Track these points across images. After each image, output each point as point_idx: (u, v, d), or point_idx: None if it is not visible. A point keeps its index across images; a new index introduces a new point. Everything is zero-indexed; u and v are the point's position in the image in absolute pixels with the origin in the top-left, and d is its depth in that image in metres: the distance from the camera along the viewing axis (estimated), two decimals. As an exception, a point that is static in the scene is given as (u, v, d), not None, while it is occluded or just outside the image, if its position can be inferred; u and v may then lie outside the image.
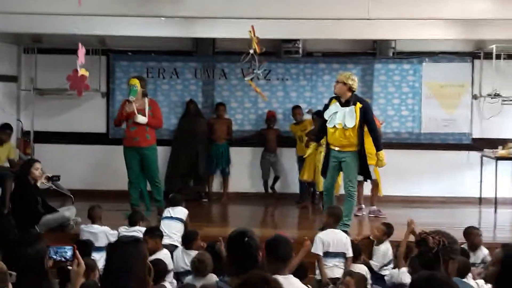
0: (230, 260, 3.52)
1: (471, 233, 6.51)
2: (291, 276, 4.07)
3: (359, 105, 7.46)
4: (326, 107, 7.83)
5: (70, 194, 9.75)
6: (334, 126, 7.52)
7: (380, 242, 6.95)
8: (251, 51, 6.80)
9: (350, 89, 7.50)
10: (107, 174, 10.57)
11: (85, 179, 10.54)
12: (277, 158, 10.49)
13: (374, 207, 9.23)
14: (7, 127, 9.18)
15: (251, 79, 7.35)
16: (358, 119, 7.41)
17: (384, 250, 6.86)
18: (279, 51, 10.16)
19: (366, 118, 7.49)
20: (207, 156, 10.46)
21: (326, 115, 7.68)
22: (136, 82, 8.47)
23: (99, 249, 7.00)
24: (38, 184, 7.78)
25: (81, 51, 6.39)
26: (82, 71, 6.41)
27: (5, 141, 9.14)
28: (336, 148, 7.58)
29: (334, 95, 7.75)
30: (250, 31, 6.85)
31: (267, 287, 2.65)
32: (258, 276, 2.73)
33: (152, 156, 8.67)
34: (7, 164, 9.22)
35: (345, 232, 6.97)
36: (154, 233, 6.52)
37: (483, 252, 6.45)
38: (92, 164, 10.69)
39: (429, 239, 3.57)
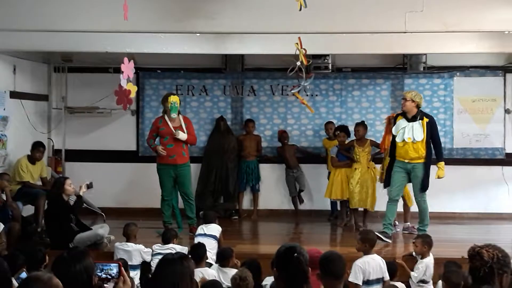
0: (280, 276, 3.45)
1: None
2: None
3: (425, 119, 8.12)
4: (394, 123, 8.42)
5: (101, 212, 9.79)
6: (403, 140, 8.12)
7: (424, 256, 6.82)
8: (298, 63, 6.75)
9: (417, 106, 8.15)
10: (137, 191, 10.59)
11: (116, 197, 10.57)
12: (300, 172, 10.38)
13: (408, 224, 9.10)
14: (40, 145, 9.22)
15: (298, 92, 7.29)
16: (425, 132, 8.04)
17: (427, 262, 6.73)
18: (308, 67, 10.11)
19: (432, 132, 8.13)
20: (237, 173, 10.43)
21: (394, 131, 8.29)
22: (177, 99, 8.53)
23: (133, 267, 6.97)
24: (81, 192, 7.91)
25: (128, 65, 6.38)
26: (128, 86, 6.42)
27: (38, 159, 9.17)
28: (406, 160, 8.17)
29: (400, 112, 8.43)
30: (297, 43, 6.84)
31: None
32: None
33: (187, 173, 8.68)
34: (39, 183, 9.25)
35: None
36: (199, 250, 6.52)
37: None
38: (123, 181, 10.71)
39: (483, 253, 3.47)
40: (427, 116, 8.25)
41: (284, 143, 10.40)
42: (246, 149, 10.39)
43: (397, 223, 9.15)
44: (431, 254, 6.82)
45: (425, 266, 6.71)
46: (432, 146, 8.18)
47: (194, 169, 10.15)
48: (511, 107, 10.37)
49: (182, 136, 8.48)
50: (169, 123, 8.49)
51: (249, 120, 10.54)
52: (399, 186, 8.29)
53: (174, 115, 8.46)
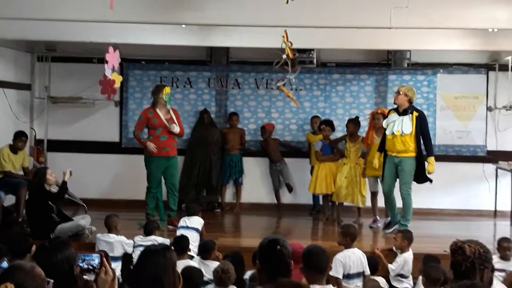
0: (262, 269, 3.46)
1: (502, 245, 6.49)
2: (331, 286, 4.03)
3: (415, 113, 8.19)
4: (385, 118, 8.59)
5: (83, 203, 9.74)
6: (392, 133, 8.24)
7: (403, 251, 6.87)
8: (284, 56, 6.74)
9: (409, 100, 8.25)
10: (120, 183, 10.58)
11: (98, 188, 10.51)
12: (283, 165, 10.40)
13: (389, 219, 9.14)
14: (22, 135, 9.13)
15: (284, 85, 7.29)
16: (414, 126, 8.12)
17: (406, 257, 6.78)
18: (294, 60, 10.10)
19: (422, 126, 8.20)
20: (220, 166, 10.43)
21: (385, 124, 8.41)
22: (169, 91, 8.56)
23: (115, 258, 6.95)
24: (66, 178, 7.85)
25: (113, 55, 6.33)
26: (113, 76, 6.37)
27: (20, 149, 9.08)
28: (394, 154, 8.28)
29: (392, 107, 8.54)
30: (283, 36, 6.83)
31: None
32: (292, 283, 2.68)
33: (177, 164, 8.76)
34: (21, 172, 9.18)
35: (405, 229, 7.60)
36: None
37: None
38: (105, 173, 10.65)
39: (465, 248, 3.51)
40: (418, 110, 8.34)
41: (265, 137, 10.40)
42: (229, 142, 10.38)
43: (378, 218, 9.21)
44: (410, 249, 6.87)
45: (404, 260, 6.75)
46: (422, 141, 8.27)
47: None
48: (493, 105, 10.46)
49: (176, 129, 8.48)
50: (160, 115, 8.44)
51: (233, 113, 10.53)
52: (389, 180, 8.40)
53: (169, 106, 8.48)
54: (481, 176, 10.31)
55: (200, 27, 8.25)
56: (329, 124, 9.75)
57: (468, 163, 10.49)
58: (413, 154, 8.23)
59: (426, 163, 8.27)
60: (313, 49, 9.89)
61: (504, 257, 6.42)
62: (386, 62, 10.54)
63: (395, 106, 8.43)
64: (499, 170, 10.20)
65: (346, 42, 8.51)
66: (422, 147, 8.32)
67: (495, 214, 10.23)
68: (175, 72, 10.75)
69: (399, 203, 8.53)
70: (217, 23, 7.45)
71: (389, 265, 6.81)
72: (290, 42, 6.90)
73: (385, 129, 8.41)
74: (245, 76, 10.75)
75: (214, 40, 8.79)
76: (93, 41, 8.53)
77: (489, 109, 10.52)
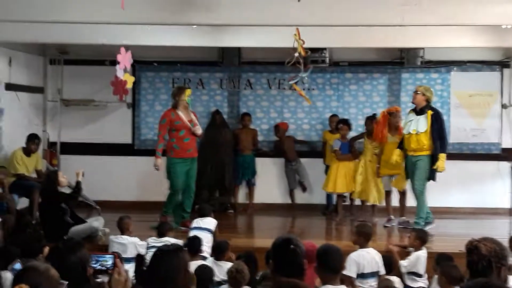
0: (276, 268, 3.43)
1: None
2: (343, 286, 3.99)
3: (430, 112, 8.35)
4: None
5: (96, 205, 9.75)
6: (409, 133, 8.41)
7: (416, 249, 6.82)
8: (296, 54, 6.71)
9: (427, 100, 8.43)
10: (132, 185, 10.59)
11: (111, 190, 10.50)
12: (299, 164, 10.41)
13: (404, 218, 9.08)
14: (35, 138, 9.17)
15: (296, 83, 7.27)
16: (429, 124, 8.26)
17: (419, 255, 6.73)
18: (307, 59, 10.06)
19: (437, 124, 8.30)
20: (233, 166, 10.40)
21: (403, 123, 8.72)
22: (190, 92, 8.59)
23: (128, 260, 6.94)
24: (79, 178, 7.89)
25: (125, 55, 6.33)
26: (125, 76, 6.37)
27: (33, 151, 9.12)
28: (410, 153, 8.45)
29: (411, 108, 8.69)
30: (295, 35, 6.79)
31: None
32: (289, 282, 2.65)
33: (196, 167, 8.73)
34: (34, 175, 9.21)
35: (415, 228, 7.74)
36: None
37: None
38: (118, 175, 10.65)
39: (481, 247, 3.45)
40: (433, 109, 8.47)
41: (282, 136, 10.39)
42: (242, 143, 10.36)
43: (392, 217, 9.16)
44: (424, 248, 6.82)
45: (416, 258, 6.71)
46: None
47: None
48: (507, 102, 10.37)
49: (200, 131, 8.58)
50: (183, 116, 8.43)
51: (245, 114, 10.51)
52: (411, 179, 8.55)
53: (190, 108, 8.50)
54: (496, 174, 10.23)
55: (211, 27, 8.24)
56: (347, 123, 9.79)
57: (482, 161, 10.41)
58: (428, 152, 8.32)
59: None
60: (325, 48, 9.86)
61: None
62: (399, 61, 10.49)
63: (414, 106, 8.56)
64: (514, 168, 10.13)
65: (358, 41, 8.46)
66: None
67: (510, 212, 10.16)
68: (187, 74, 10.75)
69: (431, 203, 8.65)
70: (228, 23, 7.43)
71: (401, 262, 6.77)
72: (302, 40, 6.87)
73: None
74: (257, 77, 10.73)
75: (225, 41, 8.77)
76: (105, 43, 8.53)
77: (503, 106, 10.43)
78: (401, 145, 8.65)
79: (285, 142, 10.37)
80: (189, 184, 8.63)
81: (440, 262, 6.10)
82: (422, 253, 6.75)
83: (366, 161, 9.35)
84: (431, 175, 8.38)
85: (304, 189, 10.51)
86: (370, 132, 9.41)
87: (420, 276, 6.71)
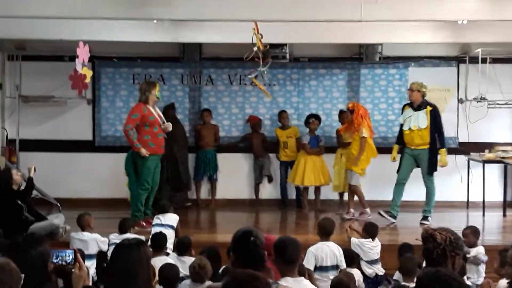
0: (236, 260, 3.46)
1: (469, 233, 6.59)
2: (302, 278, 4.05)
3: (429, 108, 8.70)
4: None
5: (57, 203, 9.65)
6: (410, 128, 8.77)
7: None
8: (255, 49, 6.75)
9: (423, 95, 8.75)
10: (93, 182, 10.49)
11: (71, 187, 10.40)
12: (265, 160, 10.49)
13: (352, 210, 9.41)
14: (-8, 135, 9.03)
15: (255, 77, 7.30)
16: (429, 120, 8.63)
17: (362, 242, 6.92)
18: (266, 53, 10.11)
19: (436, 119, 8.70)
20: (195, 162, 10.39)
21: (402, 119, 9.00)
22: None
23: (89, 256, 6.88)
24: (31, 174, 7.79)
25: (83, 50, 6.29)
26: (84, 70, 6.32)
27: (-9, 149, 8.99)
28: (412, 147, 8.81)
29: (407, 102, 9.05)
30: (254, 29, 6.83)
31: (257, 284, 2.59)
32: (247, 272, 2.68)
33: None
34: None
35: (425, 218, 8.85)
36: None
37: (479, 250, 6.52)
38: (78, 172, 10.55)
39: (436, 235, 3.55)
40: (431, 105, 8.78)
41: (254, 131, 10.44)
42: (203, 138, 10.36)
43: (352, 210, 9.36)
44: (377, 240, 6.98)
45: (357, 245, 6.89)
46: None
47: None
48: (464, 97, 10.58)
49: (171, 127, 8.45)
50: (154, 112, 8.32)
51: (205, 110, 10.51)
52: (405, 170, 8.92)
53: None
54: (454, 167, 10.38)
55: (171, 23, 8.22)
56: (317, 117, 10.01)
57: (439, 154, 10.55)
58: (428, 146, 8.78)
59: (438, 155, 8.77)
60: (285, 44, 9.89)
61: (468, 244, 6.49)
62: (358, 56, 10.60)
63: (409, 101, 8.95)
64: (470, 162, 10.34)
65: (318, 36, 8.55)
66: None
67: (467, 205, 10.35)
68: (147, 69, 10.69)
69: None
70: (188, 18, 7.44)
71: (352, 238, 7.00)
72: (261, 34, 6.91)
73: (402, 124, 8.96)
74: (218, 72, 10.73)
75: (186, 36, 8.76)
76: (63, 38, 8.45)
77: (460, 101, 10.64)
78: (399, 141, 9.06)
79: (254, 137, 10.45)
80: (156, 181, 8.58)
81: (402, 253, 6.26)
82: (366, 242, 6.90)
83: (340, 154, 9.69)
84: (435, 168, 8.82)
85: (270, 180, 10.61)
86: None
87: (375, 262, 6.87)
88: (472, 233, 6.68)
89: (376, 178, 9.84)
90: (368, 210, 9.34)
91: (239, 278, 2.65)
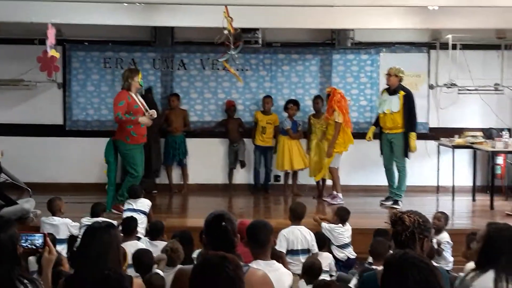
0: (207, 243, 3.48)
1: (441, 216, 6.77)
2: (274, 261, 4.09)
3: (402, 92, 8.87)
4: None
5: (27, 187, 9.56)
6: (384, 112, 8.98)
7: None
8: (226, 32, 6.73)
9: (400, 80, 8.95)
10: (64, 166, 10.43)
11: (42, 171, 10.31)
12: (240, 146, 10.48)
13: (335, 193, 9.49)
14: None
15: (227, 61, 7.29)
16: (402, 104, 8.79)
17: (331, 227, 7.01)
18: (239, 36, 10.09)
19: (409, 104, 8.84)
20: (165, 147, 10.36)
21: (377, 102, 9.37)
22: None
23: (60, 241, 6.86)
24: None
25: (51, 31, 6.21)
26: (52, 52, 6.25)
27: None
28: (386, 131, 9.04)
29: (385, 87, 9.21)
30: (224, 12, 6.80)
31: (228, 265, 2.62)
32: (218, 255, 2.70)
33: None
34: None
35: (396, 201, 8.99)
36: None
37: (444, 236, 6.63)
38: (49, 156, 10.46)
39: (405, 218, 3.59)
40: (405, 89, 8.96)
41: (230, 116, 10.43)
42: (172, 123, 10.27)
43: (335, 193, 9.47)
44: (347, 224, 7.08)
45: (328, 229, 6.99)
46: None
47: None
48: (434, 83, 10.68)
49: (156, 115, 8.42)
50: (137, 100, 8.24)
51: (173, 95, 10.45)
52: (385, 155, 9.19)
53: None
54: (424, 152, 10.51)
55: (143, 6, 8.16)
56: (296, 103, 10.13)
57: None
58: (401, 130, 8.92)
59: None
60: (258, 29, 9.90)
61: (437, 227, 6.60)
62: (330, 42, 10.63)
63: (387, 86, 9.12)
64: (441, 147, 10.47)
65: (290, 21, 8.57)
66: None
67: (437, 189, 10.50)
68: (119, 53, 10.59)
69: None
70: (160, 2, 7.39)
71: (323, 223, 7.10)
72: (231, 18, 6.90)
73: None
74: (190, 57, 10.68)
75: (157, 20, 8.72)
76: (34, 21, 8.33)
77: (430, 87, 10.74)
78: (376, 123, 9.30)
79: (230, 122, 10.43)
80: (143, 169, 8.55)
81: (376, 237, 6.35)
82: (336, 227, 6.99)
83: (317, 141, 9.72)
84: (406, 153, 8.97)
85: (243, 165, 10.62)
86: (317, 111, 9.87)
87: (346, 247, 6.97)
88: (445, 218, 6.80)
89: (349, 164, 9.90)
90: (340, 195, 9.42)
91: (210, 260, 2.67)
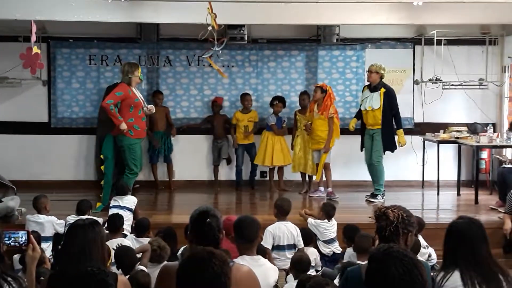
0: (192, 239, 3.49)
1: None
2: (260, 257, 4.10)
3: (383, 90, 8.99)
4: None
5: (12, 185, 9.50)
6: (365, 109, 9.11)
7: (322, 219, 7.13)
8: (210, 28, 6.72)
9: (381, 77, 9.08)
10: (49, 164, 10.40)
11: (27, 169, 10.26)
12: (224, 143, 10.45)
13: (330, 189, 9.59)
14: None
15: (210, 57, 7.28)
16: (382, 101, 8.93)
17: (317, 223, 7.03)
18: (224, 33, 10.07)
19: (389, 101, 8.97)
20: (149, 144, 10.31)
21: (360, 99, 9.48)
22: None
23: (45, 239, 6.85)
24: None
25: (33, 29, 6.19)
26: (34, 49, 6.22)
27: None
28: (369, 127, 9.18)
29: (366, 83, 9.44)
30: (208, 8, 6.79)
31: (215, 261, 2.62)
32: (205, 250, 2.71)
33: None
34: None
35: (375, 195, 9.18)
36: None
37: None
38: (34, 154, 10.41)
39: (389, 213, 3.61)
40: (385, 87, 9.08)
41: (215, 112, 10.40)
42: (157, 121, 10.20)
43: (322, 189, 9.64)
44: (333, 219, 7.11)
45: (314, 225, 7.01)
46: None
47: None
48: (419, 78, 10.73)
49: (154, 110, 8.46)
50: (138, 94, 8.21)
51: (158, 92, 10.41)
52: (366, 151, 9.30)
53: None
54: (409, 147, 10.51)
55: (128, 2, 8.13)
56: (282, 100, 10.14)
57: (396, 135, 10.70)
58: (381, 126, 9.08)
59: (396, 136, 9.13)
60: (243, 25, 9.90)
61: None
62: (316, 38, 10.64)
63: (368, 83, 9.30)
64: (426, 142, 10.52)
65: (275, 17, 8.55)
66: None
67: (423, 184, 10.56)
68: (104, 50, 10.55)
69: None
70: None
71: (309, 219, 7.14)
72: (214, 14, 6.89)
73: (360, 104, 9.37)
74: (176, 54, 10.66)
75: (142, 16, 8.65)
76: (18, 18, 8.26)
77: (415, 82, 10.79)
78: (357, 115, 9.51)
79: (216, 119, 10.41)
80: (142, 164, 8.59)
81: (347, 233, 6.39)
82: (322, 223, 7.01)
83: (304, 135, 9.78)
84: (390, 149, 9.14)
85: (228, 161, 10.62)
86: (303, 107, 9.91)
87: (332, 242, 7.00)
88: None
89: (335, 159, 9.90)
90: (322, 188, 9.60)
91: (197, 255, 2.67)
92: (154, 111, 8.49)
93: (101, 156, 8.57)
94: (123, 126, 7.97)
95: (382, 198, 9.27)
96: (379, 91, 8.98)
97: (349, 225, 6.71)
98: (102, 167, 8.53)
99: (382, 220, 3.63)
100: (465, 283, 3.63)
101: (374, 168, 9.26)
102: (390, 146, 9.13)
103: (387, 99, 8.98)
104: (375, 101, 9.00)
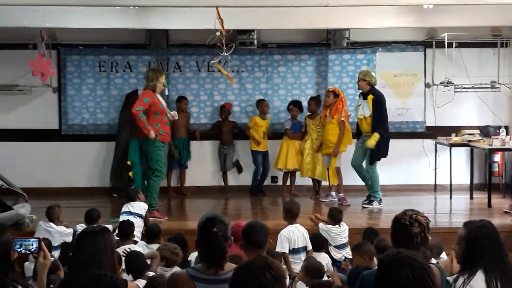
0: (199, 246, 3.45)
1: None
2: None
3: (371, 96, 8.89)
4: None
5: (22, 192, 9.52)
6: (358, 117, 9.15)
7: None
8: (218, 33, 6.71)
9: (369, 83, 8.97)
10: (60, 171, 10.39)
11: (38, 176, 10.27)
12: (230, 150, 10.44)
13: (341, 194, 9.55)
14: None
15: (219, 62, 7.26)
16: (371, 107, 8.85)
17: (329, 228, 6.97)
18: (234, 38, 10.05)
19: (376, 107, 8.87)
20: (169, 150, 10.27)
21: (355, 107, 9.44)
22: None
23: (54, 247, 6.81)
24: None
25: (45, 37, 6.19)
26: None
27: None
28: (363, 134, 9.11)
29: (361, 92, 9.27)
30: (216, 13, 6.77)
31: (268, 274, 2.55)
32: (261, 260, 2.62)
33: None
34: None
35: (371, 201, 9.10)
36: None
37: None
38: (45, 161, 10.42)
39: (421, 219, 3.57)
40: (374, 93, 8.97)
41: (224, 118, 10.39)
42: (179, 127, 10.16)
43: (333, 193, 9.63)
44: (343, 223, 7.06)
45: (324, 230, 6.96)
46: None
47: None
48: (431, 82, 10.65)
49: (177, 117, 8.50)
50: (162, 101, 8.23)
51: (182, 97, 10.38)
52: (355, 154, 9.21)
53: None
54: (421, 151, 10.51)
55: (137, 9, 8.13)
56: (297, 104, 10.11)
57: (408, 139, 10.67)
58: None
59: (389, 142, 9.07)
60: (253, 30, 9.87)
61: None
62: (326, 42, 10.59)
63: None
64: (438, 145, 10.44)
65: (285, 22, 8.55)
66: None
67: (435, 188, 10.47)
68: (114, 57, 10.56)
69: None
70: (154, 4, 7.36)
71: (320, 224, 7.10)
72: (222, 19, 6.87)
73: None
74: (186, 59, 10.66)
75: (152, 23, 8.68)
76: (27, 26, 8.30)
77: (427, 85, 10.72)
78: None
79: (225, 124, 10.38)
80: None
81: (367, 237, 6.33)
82: (333, 228, 6.96)
83: (313, 140, 9.77)
84: (383, 154, 9.05)
85: (239, 169, 10.60)
86: (312, 112, 9.88)
87: (344, 247, 6.93)
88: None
89: (346, 163, 9.82)
90: (333, 193, 9.58)
91: (253, 265, 2.59)
92: (177, 118, 8.52)
93: (128, 162, 8.60)
94: (152, 135, 8.00)
95: (379, 204, 9.18)
96: (368, 98, 8.92)
97: (370, 228, 6.65)
98: (131, 173, 8.55)
99: (414, 227, 3.57)
100: (489, 285, 3.57)
101: (367, 174, 9.16)
102: (383, 152, 9.04)
103: (375, 106, 8.89)
104: (366, 108, 8.96)
